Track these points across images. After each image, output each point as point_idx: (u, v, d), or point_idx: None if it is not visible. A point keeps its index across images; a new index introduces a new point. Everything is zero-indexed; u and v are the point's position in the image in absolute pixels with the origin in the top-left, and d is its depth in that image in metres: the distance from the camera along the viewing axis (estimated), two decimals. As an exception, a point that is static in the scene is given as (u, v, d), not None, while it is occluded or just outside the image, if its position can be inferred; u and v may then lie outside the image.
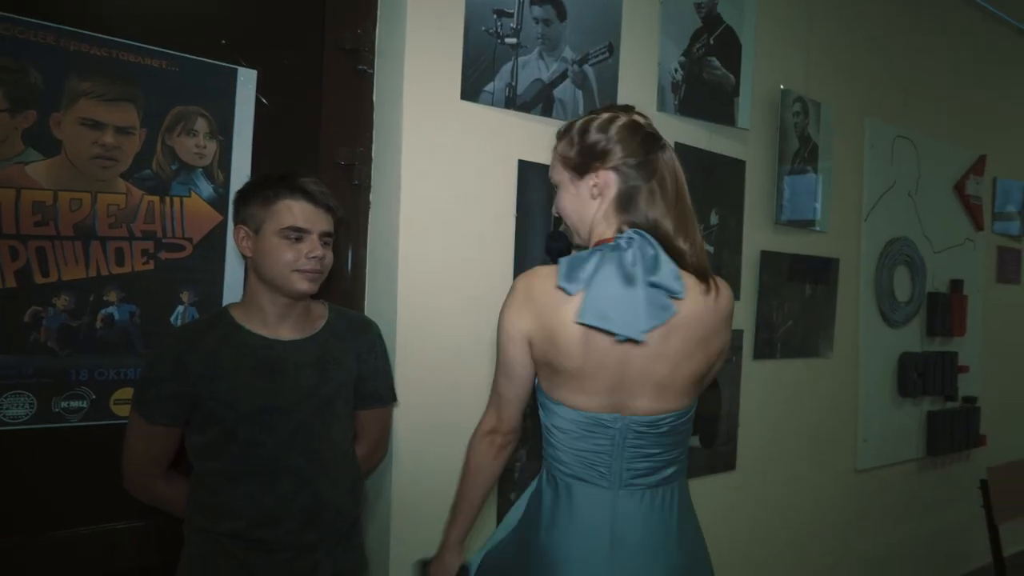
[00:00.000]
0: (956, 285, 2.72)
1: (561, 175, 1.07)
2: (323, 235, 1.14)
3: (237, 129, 1.31)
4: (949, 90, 2.73)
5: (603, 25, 1.61)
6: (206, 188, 1.29)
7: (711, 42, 1.84)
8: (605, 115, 1.06)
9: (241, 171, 1.31)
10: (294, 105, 1.38)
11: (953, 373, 2.67)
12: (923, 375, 2.55)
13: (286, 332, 1.16)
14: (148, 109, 1.22)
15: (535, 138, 1.51)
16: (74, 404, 1.18)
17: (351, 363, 1.20)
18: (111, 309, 1.20)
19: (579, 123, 1.06)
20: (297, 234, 1.11)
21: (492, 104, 1.46)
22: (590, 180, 1.03)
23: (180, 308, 1.27)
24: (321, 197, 1.13)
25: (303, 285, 1.12)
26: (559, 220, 1.12)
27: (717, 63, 1.86)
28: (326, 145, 1.41)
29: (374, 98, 1.44)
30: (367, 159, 1.44)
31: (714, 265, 1.92)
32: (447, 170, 1.41)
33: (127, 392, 1.21)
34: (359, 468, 1.25)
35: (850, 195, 2.34)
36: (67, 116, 1.15)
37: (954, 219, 2.77)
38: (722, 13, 1.85)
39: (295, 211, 1.11)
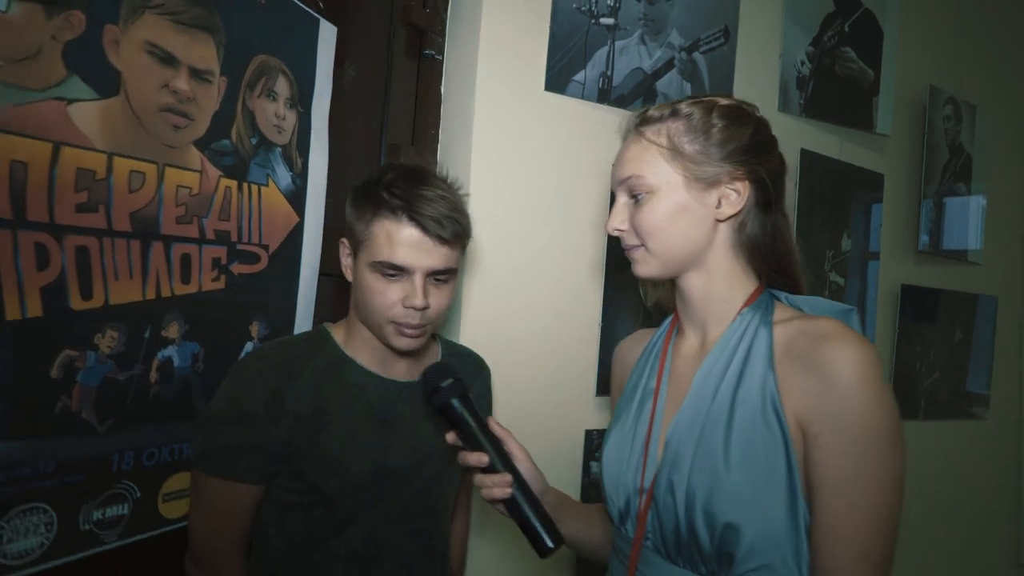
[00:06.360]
0: None
1: (665, 176, 0.74)
2: (433, 274, 0.82)
3: (316, 99, 0.99)
4: None
5: (718, 5, 1.33)
6: (284, 176, 0.94)
7: (846, 29, 1.53)
8: (729, 102, 0.77)
9: (319, 157, 1.01)
10: (366, 84, 1.12)
11: None
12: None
13: (400, 372, 0.88)
14: (229, 50, 0.85)
15: (633, 139, 1.24)
16: (111, 512, 0.76)
17: None
18: (170, 351, 0.79)
19: (696, 104, 0.75)
20: (393, 272, 0.80)
21: (582, 97, 1.21)
22: (718, 191, 0.74)
23: (248, 346, 0.90)
24: (434, 226, 0.79)
25: (399, 342, 0.82)
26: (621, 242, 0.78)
27: (853, 55, 1.54)
28: (386, 143, 1.18)
29: (442, 90, 1.21)
30: (431, 163, 1.20)
31: (843, 302, 1.57)
32: (527, 177, 1.16)
33: (180, 481, 0.84)
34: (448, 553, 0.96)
35: (1011, 218, 1.97)
36: (128, 35, 0.73)
37: None
38: (860, -6, 1.54)
39: (395, 240, 0.79)
